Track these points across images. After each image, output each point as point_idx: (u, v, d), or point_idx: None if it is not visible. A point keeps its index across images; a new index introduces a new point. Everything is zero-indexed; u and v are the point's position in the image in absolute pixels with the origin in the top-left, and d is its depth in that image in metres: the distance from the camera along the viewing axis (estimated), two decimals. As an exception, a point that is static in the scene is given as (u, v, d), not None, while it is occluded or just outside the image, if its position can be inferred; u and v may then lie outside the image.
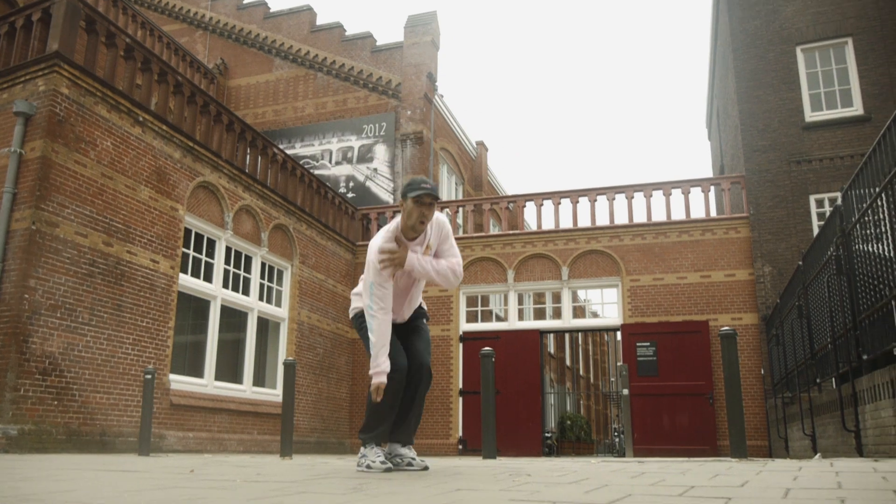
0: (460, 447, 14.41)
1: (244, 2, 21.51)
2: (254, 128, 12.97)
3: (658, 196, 14.59)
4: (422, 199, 3.66)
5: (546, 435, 20.37)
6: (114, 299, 9.26)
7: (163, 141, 10.31)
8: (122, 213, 9.48)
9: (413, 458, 3.91)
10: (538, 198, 15.40)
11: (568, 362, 36.48)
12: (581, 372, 39.31)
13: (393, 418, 3.93)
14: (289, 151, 19.71)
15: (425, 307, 4.30)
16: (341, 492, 2.69)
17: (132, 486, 2.94)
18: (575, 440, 24.20)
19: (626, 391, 13.17)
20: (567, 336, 33.74)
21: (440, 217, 3.92)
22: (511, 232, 15.30)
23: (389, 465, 3.78)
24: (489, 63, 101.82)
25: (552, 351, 32.36)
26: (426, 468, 3.86)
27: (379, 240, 3.78)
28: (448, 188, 21.43)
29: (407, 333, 4.05)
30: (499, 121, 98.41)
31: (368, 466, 3.77)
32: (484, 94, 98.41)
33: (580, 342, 38.58)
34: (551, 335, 30.14)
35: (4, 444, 7.54)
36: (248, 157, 12.54)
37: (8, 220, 8.29)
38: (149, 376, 7.75)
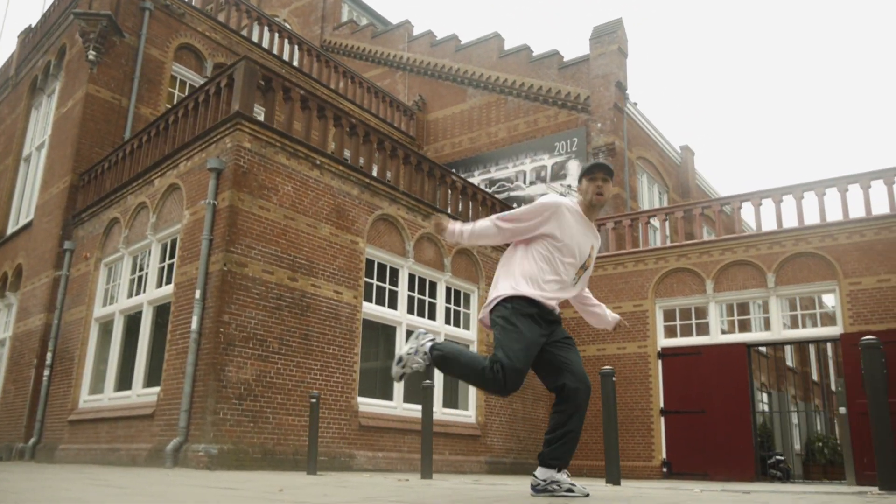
0: (664, 470, 13.63)
1: (437, 38, 22.54)
2: (431, 159, 13.49)
3: (878, 186, 12.80)
4: (594, 175, 3.76)
5: (777, 458, 18.60)
6: (301, 329, 10.10)
7: (340, 180, 11.12)
8: (304, 250, 10.35)
9: (573, 484, 3.73)
10: (735, 201, 14.27)
11: (815, 377, 32.96)
12: (833, 387, 35.23)
13: None
14: (484, 176, 20.22)
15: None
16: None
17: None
18: (825, 463, 21.85)
19: (843, 410, 11.63)
20: (811, 348, 30.53)
21: None
22: (706, 240, 14.31)
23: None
24: (689, 61, 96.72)
25: (792, 364, 29.49)
26: (587, 495, 3.72)
27: (561, 199, 3.77)
28: (649, 198, 20.57)
29: (558, 347, 3.73)
30: (708, 120, 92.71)
31: (570, 489, 3.69)
32: (687, 94, 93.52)
33: (830, 353, 34.64)
34: (787, 347, 27.51)
35: (207, 461, 8.52)
36: (425, 186, 13.06)
37: (206, 263, 9.44)
38: (314, 400, 8.34)
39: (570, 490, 3.65)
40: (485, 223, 3.79)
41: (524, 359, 3.49)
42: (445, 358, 3.66)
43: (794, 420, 27.84)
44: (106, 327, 12.03)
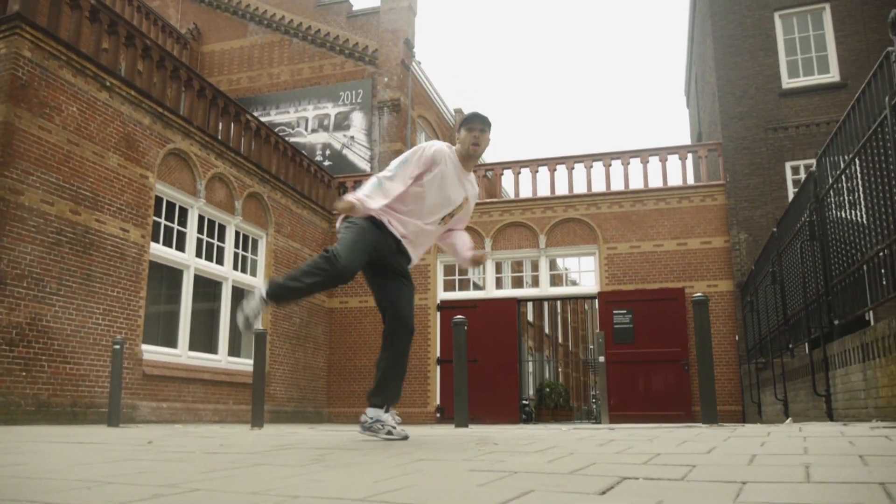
0: (438, 415, 14.47)
1: (216, -36, 20.96)
2: (227, 94, 12.70)
3: (635, 164, 14.55)
4: (472, 126, 3.71)
5: (524, 402, 20.57)
6: (82, 269, 9.08)
7: (131, 107, 10.06)
8: (89, 181, 9.26)
9: (393, 427, 3.70)
10: (515, 166, 15.30)
11: (547, 330, 36.72)
12: (560, 340, 39.59)
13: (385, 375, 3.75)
14: (264, 119, 19.37)
15: None
16: (300, 463, 2.62)
17: (85, 459, 2.85)
18: (553, 407, 24.43)
19: (602, 358, 13.25)
20: (545, 304, 33.92)
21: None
22: (488, 200, 15.20)
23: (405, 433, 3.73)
24: (467, 29, 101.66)
25: (531, 319, 32.51)
26: (405, 437, 3.73)
27: (443, 146, 3.73)
28: (426, 156, 21.21)
29: (394, 277, 3.78)
30: (478, 88, 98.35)
31: (389, 433, 3.68)
32: (463, 60, 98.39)
33: (559, 310, 38.78)
34: (529, 303, 30.34)
35: (-29, 416, 7.41)
36: (220, 123, 12.29)
37: (-30, 187, 8.06)
38: (117, 346, 7.62)
39: (389, 433, 3.73)
40: (373, 183, 3.62)
41: (357, 248, 3.51)
42: (280, 285, 3.55)
43: (530, 369, 30.88)
44: None
